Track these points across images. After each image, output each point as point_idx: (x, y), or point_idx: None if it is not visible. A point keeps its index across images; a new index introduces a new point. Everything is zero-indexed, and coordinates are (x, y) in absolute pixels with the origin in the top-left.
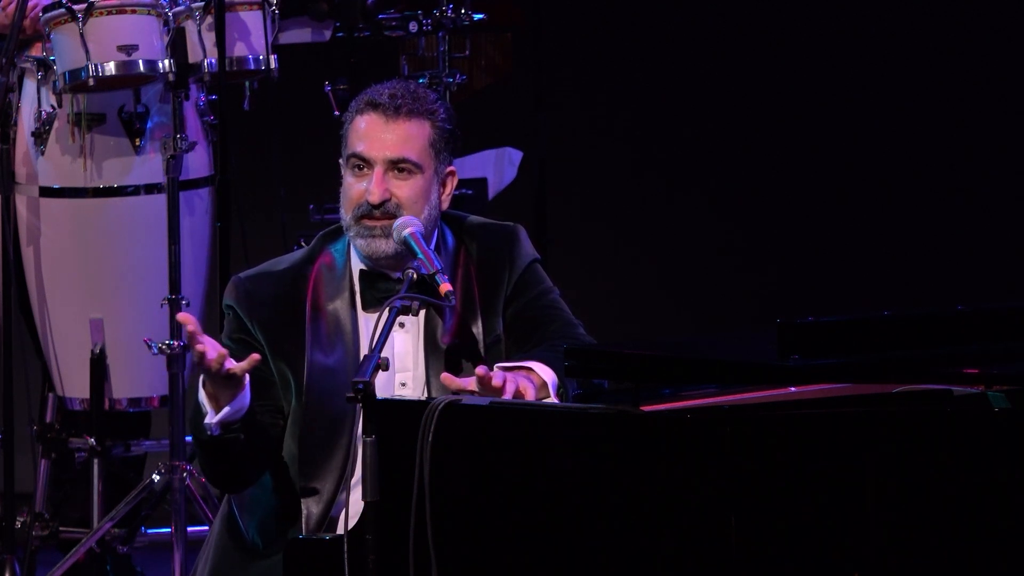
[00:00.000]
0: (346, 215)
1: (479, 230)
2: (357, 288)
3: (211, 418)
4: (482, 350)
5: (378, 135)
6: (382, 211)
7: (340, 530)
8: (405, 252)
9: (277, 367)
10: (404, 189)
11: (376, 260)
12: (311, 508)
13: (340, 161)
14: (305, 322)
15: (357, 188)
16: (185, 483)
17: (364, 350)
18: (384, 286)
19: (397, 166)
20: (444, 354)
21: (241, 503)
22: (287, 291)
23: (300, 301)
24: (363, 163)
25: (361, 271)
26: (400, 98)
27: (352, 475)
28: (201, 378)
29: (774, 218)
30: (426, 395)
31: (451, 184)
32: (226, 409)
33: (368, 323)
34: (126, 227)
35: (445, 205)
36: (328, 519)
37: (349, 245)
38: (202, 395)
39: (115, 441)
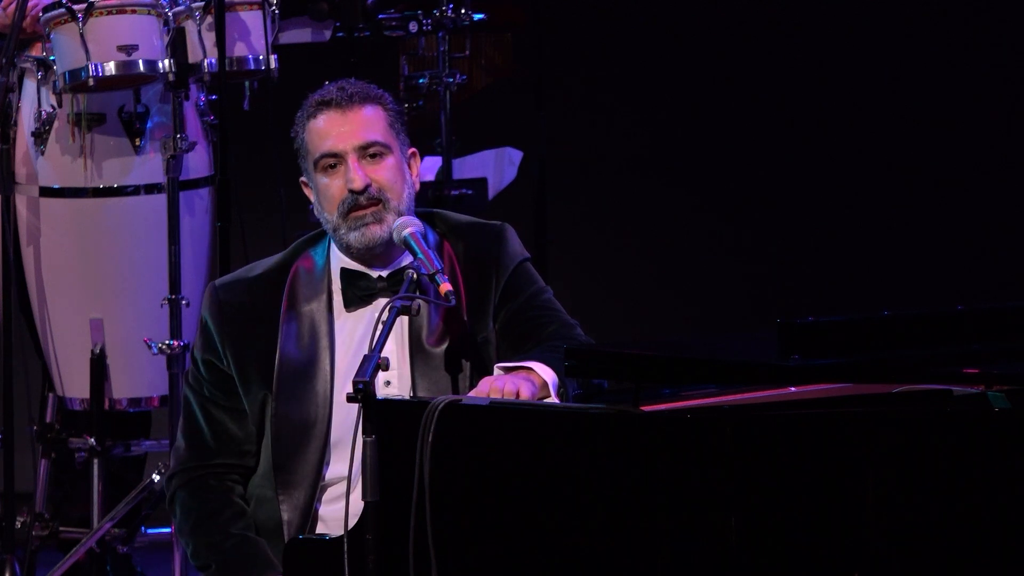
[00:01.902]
0: (332, 216)
1: (466, 229)
2: (335, 288)
3: None
4: (469, 350)
5: (340, 128)
6: (367, 197)
7: (334, 530)
8: (406, 249)
9: (248, 385)
10: (381, 171)
11: (371, 249)
12: (289, 515)
13: (302, 180)
14: (279, 325)
15: (335, 185)
16: None
17: (338, 351)
18: (365, 284)
19: (368, 152)
20: (429, 354)
21: None
22: (262, 295)
23: (275, 305)
24: (334, 159)
25: (343, 269)
26: (348, 88)
27: (351, 475)
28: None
29: (774, 218)
30: (412, 395)
31: (416, 165)
32: None
33: (346, 323)
34: (126, 227)
35: (417, 185)
36: (308, 523)
37: (329, 247)
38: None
39: (115, 441)
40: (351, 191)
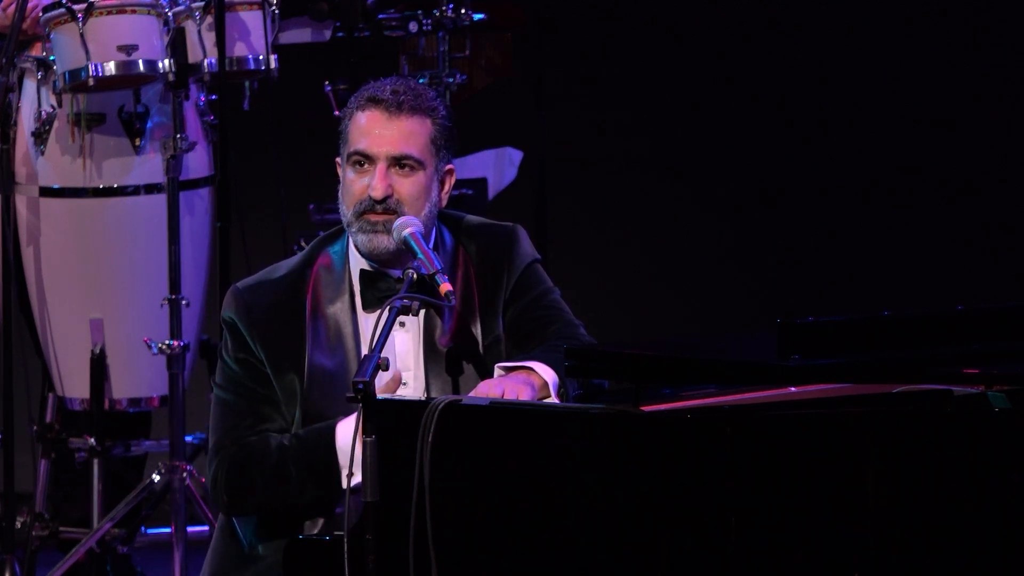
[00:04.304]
0: (347, 211)
1: (478, 231)
2: (357, 289)
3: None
4: (481, 351)
5: (380, 131)
6: (384, 207)
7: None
8: (406, 249)
9: (282, 382)
10: (406, 185)
11: (377, 256)
12: (317, 512)
13: (338, 160)
14: (305, 326)
15: (359, 184)
16: (185, 483)
17: (365, 351)
18: (384, 285)
19: (399, 162)
20: (442, 355)
21: None
22: (286, 298)
23: (300, 306)
24: (365, 159)
25: (361, 271)
26: (402, 94)
27: (352, 475)
28: (356, 429)
29: (774, 218)
30: (426, 395)
31: (449, 182)
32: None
33: (369, 323)
34: (126, 227)
35: (443, 203)
36: (333, 521)
37: (348, 246)
38: (347, 445)
39: (115, 441)
40: (370, 197)
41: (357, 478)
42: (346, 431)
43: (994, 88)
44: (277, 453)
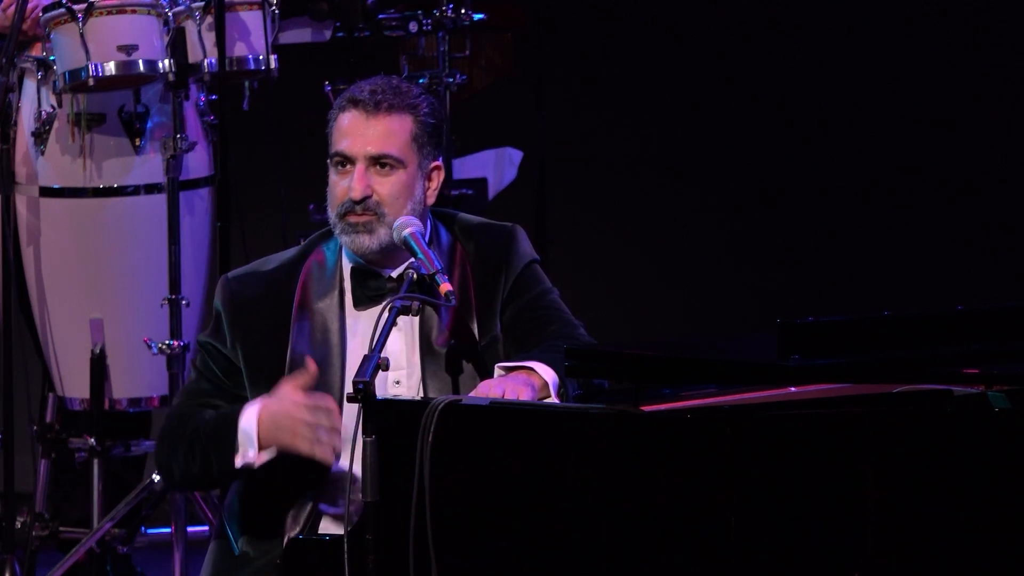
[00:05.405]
0: (331, 213)
1: (476, 230)
2: (347, 286)
3: (251, 457)
4: (479, 351)
5: (359, 132)
6: (363, 207)
7: (336, 529)
8: (390, 248)
9: (259, 374)
10: (386, 185)
11: (362, 256)
12: (296, 512)
13: (328, 161)
14: (291, 320)
15: (340, 186)
16: None
17: (350, 349)
18: (376, 284)
19: (379, 162)
20: (440, 355)
21: (231, 515)
22: (275, 290)
23: (288, 299)
24: (345, 160)
25: (352, 269)
26: (381, 93)
27: (351, 475)
28: (258, 411)
29: (775, 218)
30: (421, 395)
31: (437, 179)
32: (267, 454)
33: (357, 322)
34: (126, 227)
35: (431, 200)
36: (315, 521)
37: (341, 244)
38: (251, 426)
39: (115, 441)
40: (350, 199)
41: (251, 456)
42: (251, 412)
43: (994, 88)
44: (193, 423)
